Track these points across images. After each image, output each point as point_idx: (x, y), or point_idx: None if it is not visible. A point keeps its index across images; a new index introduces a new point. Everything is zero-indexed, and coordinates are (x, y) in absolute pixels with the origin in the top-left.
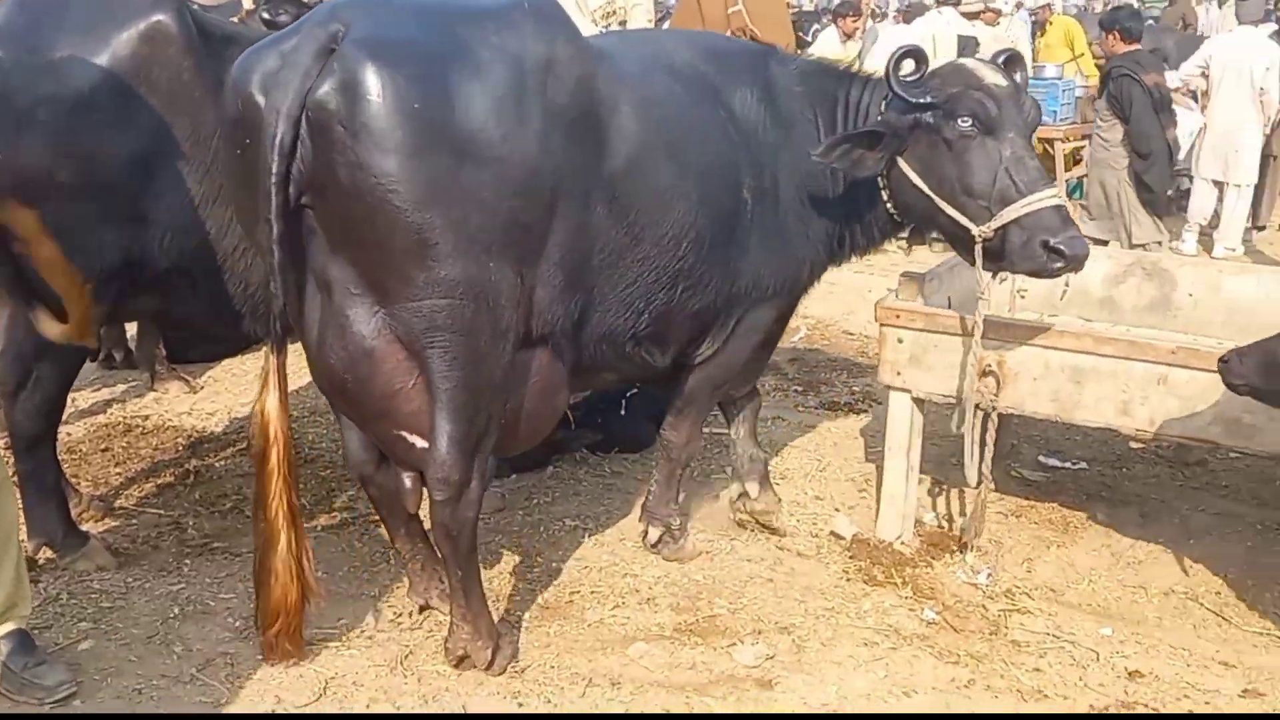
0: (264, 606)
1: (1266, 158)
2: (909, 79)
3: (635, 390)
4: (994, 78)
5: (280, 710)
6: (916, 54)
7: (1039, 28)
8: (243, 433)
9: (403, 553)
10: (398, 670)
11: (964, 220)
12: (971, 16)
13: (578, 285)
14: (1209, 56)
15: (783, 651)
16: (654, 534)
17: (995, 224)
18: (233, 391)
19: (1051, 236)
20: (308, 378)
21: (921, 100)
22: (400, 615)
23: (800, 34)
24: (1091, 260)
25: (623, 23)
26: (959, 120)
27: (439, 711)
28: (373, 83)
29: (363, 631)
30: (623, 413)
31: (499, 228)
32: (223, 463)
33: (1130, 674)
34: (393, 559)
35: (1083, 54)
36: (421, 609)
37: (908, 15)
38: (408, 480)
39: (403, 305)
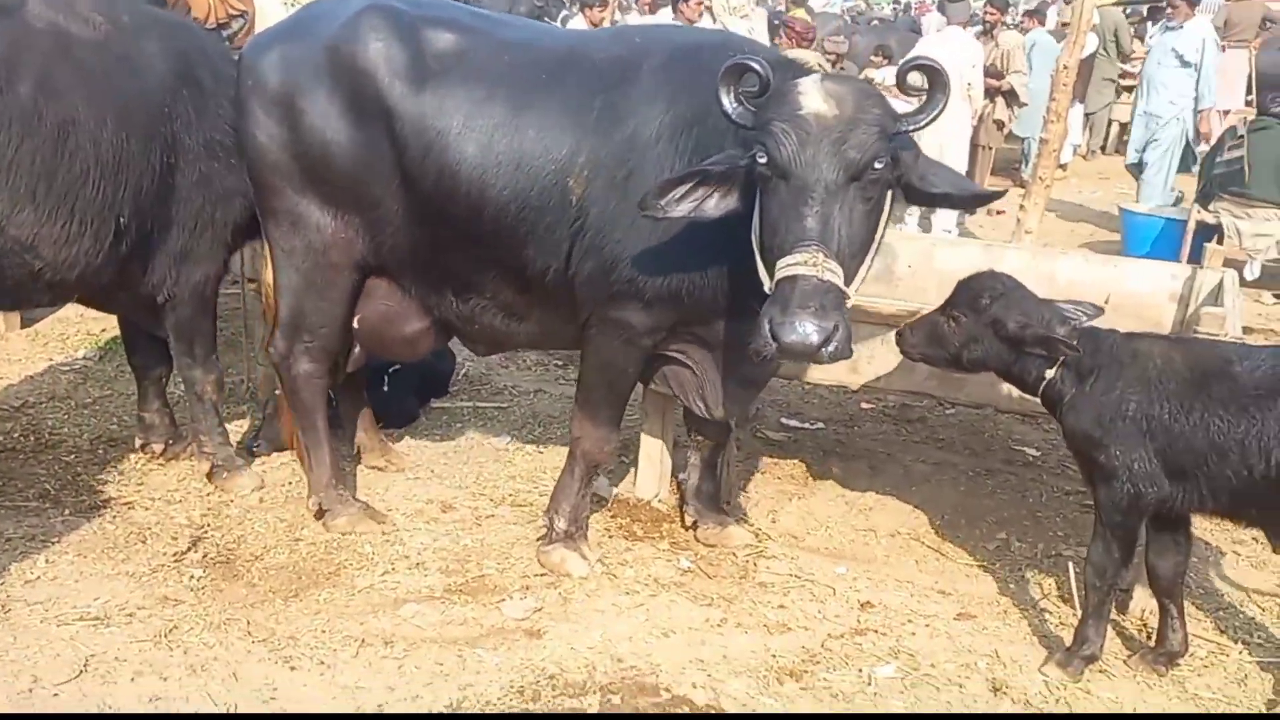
0: None
1: (975, 148)
2: (749, 96)
3: (398, 366)
4: (815, 106)
5: (38, 689)
6: (750, 66)
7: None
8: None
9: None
10: (162, 644)
11: (763, 275)
12: None
13: (392, 235)
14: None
15: (550, 604)
16: (542, 524)
17: (769, 285)
18: None
19: (772, 316)
20: (45, 363)
21: (746, 125)
22: (163, 594)
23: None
24: None
25: None
26: (758, 155)
27: (207, 679)
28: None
29: (122, 609)
30: (385, 388)
31: (296, 176)
32: None
33: (863, 605)
34: (147, 539)
35: None
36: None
37: None
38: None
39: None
